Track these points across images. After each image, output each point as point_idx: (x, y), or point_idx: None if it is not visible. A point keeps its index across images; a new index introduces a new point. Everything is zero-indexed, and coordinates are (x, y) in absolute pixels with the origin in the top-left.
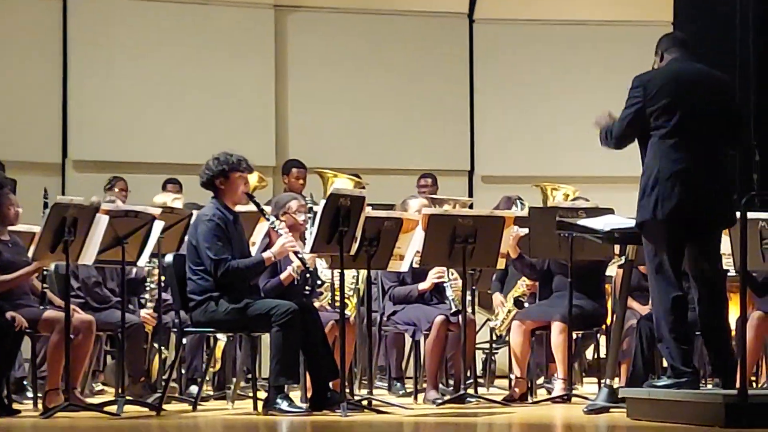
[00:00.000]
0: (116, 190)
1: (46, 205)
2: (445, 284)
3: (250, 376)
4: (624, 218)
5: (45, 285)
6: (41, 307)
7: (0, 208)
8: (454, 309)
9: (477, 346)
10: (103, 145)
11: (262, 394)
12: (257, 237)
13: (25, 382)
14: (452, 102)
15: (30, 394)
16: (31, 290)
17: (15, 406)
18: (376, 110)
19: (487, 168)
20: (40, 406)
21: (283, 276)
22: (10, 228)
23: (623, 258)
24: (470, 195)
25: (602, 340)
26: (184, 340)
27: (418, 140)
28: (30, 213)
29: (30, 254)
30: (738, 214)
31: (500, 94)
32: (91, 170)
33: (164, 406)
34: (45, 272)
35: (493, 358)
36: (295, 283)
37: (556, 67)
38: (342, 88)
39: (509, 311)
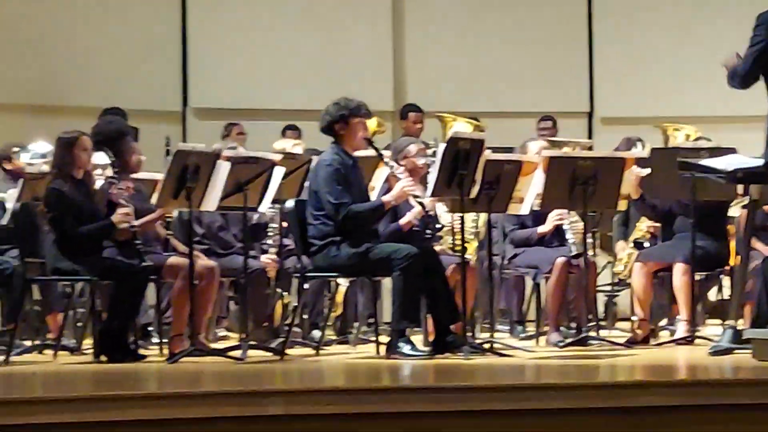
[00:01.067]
0: (233, 135)
1: (168, 153)
2: (565, 227)
3: (371, 320)
4: (747, 158)
5: (169, 232)
6: (165, 254)
7: (123, 156)
8: (574, 252)
9: (598, 288)
10: (223, 93)
11: (383, 338)
12: (376, 182)
13: (150, 328)
14: (571, 42)
15: (155, 340)
16: (155, 237)
17: (141, 351)
18: (493, 52)
19: (606, 109)
20: (165, 351)
21: (402, 221)
22: (133, 176)
23: (747, 198)
24: (589, 137)
25: (726, 281)
26: (306, 285)
27: (537, 82)
28: (152, 161)
29: (153, 201)
30: None
31: (619, 34)
32: (211, 118)
33: (287, 351)
34: (168, 219)
35: (614, 300)
36: (415, 228)
37: (677, 5)
38: (459, 30)
39: (630, 254)
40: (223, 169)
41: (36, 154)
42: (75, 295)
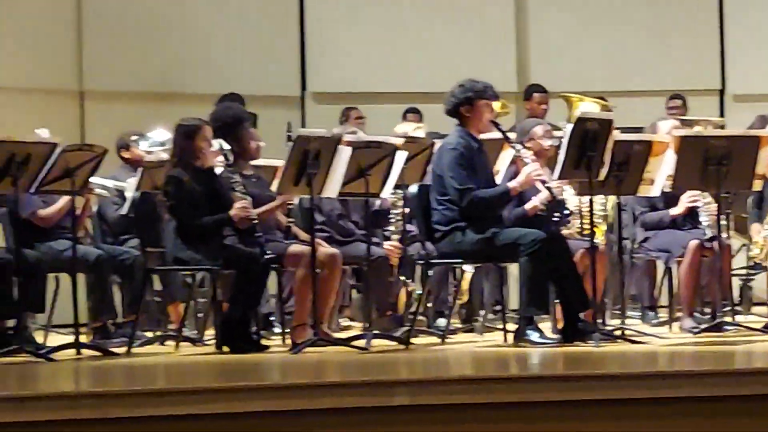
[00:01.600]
0: (352, 119)
1: (289, 138)
2: (698, 208)
3: (498, 307)
4: None
5: (290, 219)
6: (286, 242)
7: (241, 142)
8: (708, 234)
9: (733, 272)
10: (342, 77)
11: (511, 326)
12: (502, 165)
13: (272, 318)
14: (700, 17)
15: (277, 330)
16: (276, 225)
17: (263, 341)
18: (619, 30)
19: (739, 86)
20: (287, 341)
21: (528, 206)
22: (253, 162)
23: None
24: (721, 115)
25: None
26: (430, 272)
27: (666, 59)
28: (271, 147)
29: (274, 188)
30: None
31: (751, 7)
32: (330, 102)
33: (412, 340)
34: (290, 206)
35: (749, 284)
36: (541, 212)
37: None
38: (584, 8)
39: (766, 237)
40: (344, 154)
41: (155, 142)
42: (196, 284)
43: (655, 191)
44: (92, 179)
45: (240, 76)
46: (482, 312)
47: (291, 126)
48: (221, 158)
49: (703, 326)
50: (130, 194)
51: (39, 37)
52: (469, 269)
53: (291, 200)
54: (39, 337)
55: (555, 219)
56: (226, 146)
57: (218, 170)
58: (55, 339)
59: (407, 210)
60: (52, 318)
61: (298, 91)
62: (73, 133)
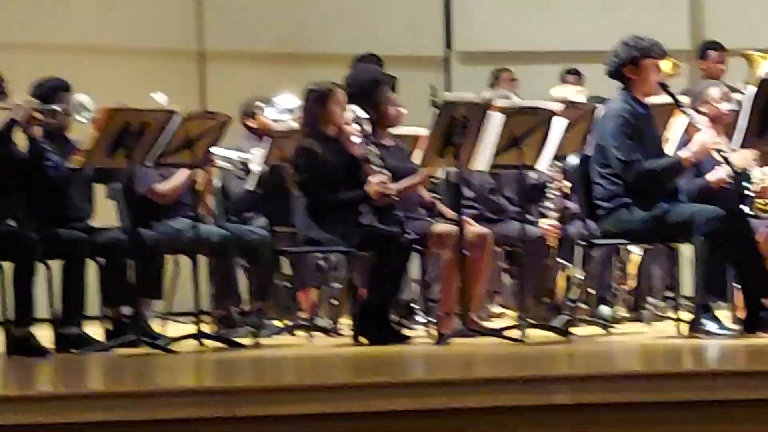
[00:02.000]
0: (503, 82)
1: (433, 104)
2: None
3: (669, 294)
4: None
5: (435, 195)
6: (431, 220)
7: (379, 108)
8: None
9: None
10: (491, 34)
11: (684, 315)
12: (672, 133)
13: (415, 306)
14: None
15: (421, 319)
16: (419, 201)
17: (405, 332)
18: None
19: None
20: (432, 332)
21: (710, 177)
22: (392, 131)
23: None
24: None
25: None
26: (593, 254)
27: None
28: (413, 113)
29: (416, 160)
30: None
31: None
32: (477, 62)
33: (572, 330)
34: (434, 181)
35: None
36: (725, 186)
37: None
38: None
39: None
40: (495, 121)
41: (283, 109)
42: (330, 268)
43: None
44: (214, 150)
45: (378, 34)
46: (651, 299)
47: (435, 90)
48: (357, 127)
49: None
50: (256, 167)
51: None
52: (636, 251)
53: (435, 174)
54: (157, 327)
55: (741, 194)
56: (363, 113)
57: (354, 140)
58: (174, 329)
59: (566, 184)
60: (171, 305)
61: (443, 51)
62: (192, 98)
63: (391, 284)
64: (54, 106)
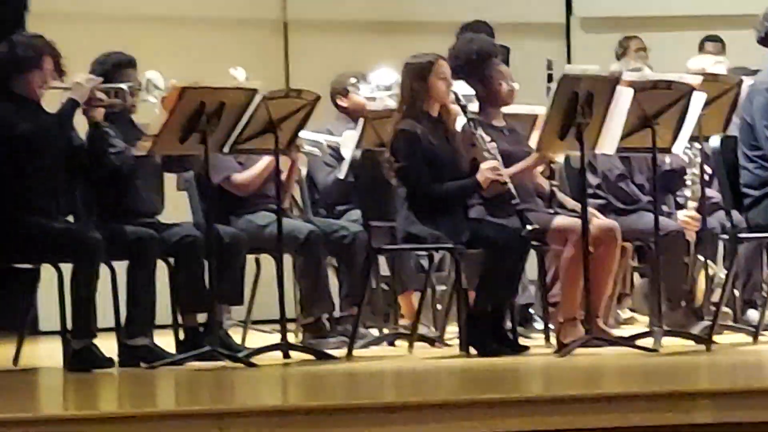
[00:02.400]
0: (632, 51)
1: (550, 79)
2: None
3: None
4: None
5: (554, 182)
6: (549, 212)
7: (490, 83)
8: None
9: None
10: None
11: None
12: None
13: (532, 311)
14: None
15: (539, 326)
16: (535, 190)
17: (521, 341)
18: None
19: None
20: (552, 340)
21: None
22: (505, 110)
23: None
24: None
25: None
26: (739, 249)
27: None
28: (528, 89)
29: (532, 143)
30: None
31: None
32: (602, 30)
33: (714, 338)
34: (552, 166)
35: None
36: None
37: None
38: None
39: None
40: (623, 97)
41: (378, 85)
42: (434, 268)
43: None
44: (301, 134)
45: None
46: None
47: (551, 64)
48: (463, 105)
49: None
50: (348, 153)
51: None
52: None
53: (554, 158)
54: (236, 336)
55: None
56: (469, 90)
57: (459, 121)
58: (256, 338)
59: (707, 170)
60: (251, 312)
61: (563, 17)
62: (275, 73)
63: (505, 286)
64: (119, 85)
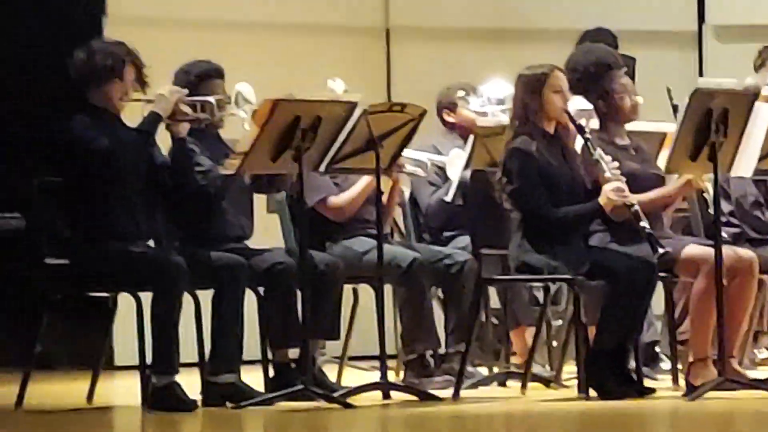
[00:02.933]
0: None
1: (675, 110)
2: None
3: None
4: None
5: (684, 207)
6: (679, 238)
7: (611, 98)
8: None
9: None
10: (755, 3)
11: None
12: None
13: (658, 349)
14: None
15: (666, 366)
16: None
17: (646, 382)
18: None
19: None
20: (681, 382)
21: None
22: (629, 126)
23: None
24: None
25: None
26: None
27: None
28: (653, 104)
29: (661, 164)
30: None
31: None
32: (737, 39)
33: None
34: (705, 195)
35: None
36: None
37: None
38: None
39: None
40: (762, 114)
41: (490, 99)
42: (550, 301)
43: None
44: (404, 152)
45: (611, 4)
46: None
47: (671, 92)
48: (582, 121)
49: None
50: (456, 173)
51: None
52: None
53: (705, 187)
54: (332, 374)
55: None
56: (587, 105)
57: (579, 139)
58: (353, 376)
59: None
60: (348, 347)
61: (694, 25)
62: (376, 84)
63: (629, 322)
64: (206, 98)
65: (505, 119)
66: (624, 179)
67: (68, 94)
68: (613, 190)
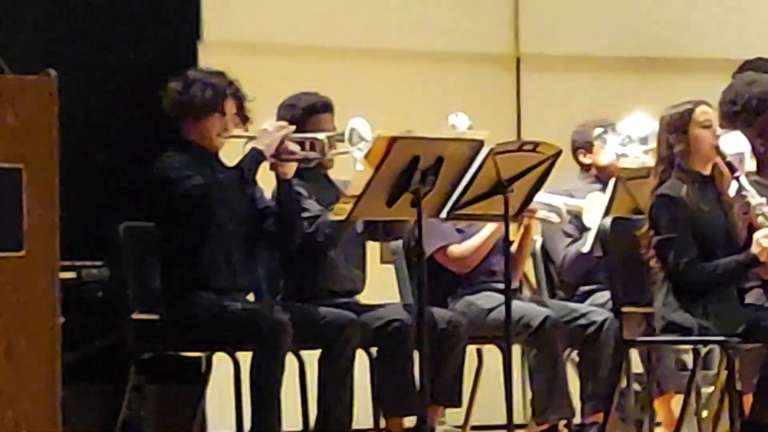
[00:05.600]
0: None
1: None
2: None
3: None
4: None
5: None
6: None
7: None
8: None
9: None
10: None
11: None
12: None
13: None
14: None
15: None
16: None
17: None
18: None
19: None
20: None
21: None
22: None
23: None
24: None
25: None
26: None
27: None
28: None
29: None
30: None
31: None
32: None
33: None
34: None
35: None
36: None
37: None
38: None
39: None
40: None
41: (630, 137)
42: (700, 366)
43: None
44: (536, 197)
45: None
46: None
47: None
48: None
49: None
50: (594, 221)
51: None
52: None
53: None
54: None
55: None
56: (742, 143)
57: (732, 187)
58: None
59: None
60: (471, 414)
61: None
62: (504, 120)
63: None
64: (317, 135)
65: (649, 160)
66: None
67: (161, 129)
68: (766, 237)
